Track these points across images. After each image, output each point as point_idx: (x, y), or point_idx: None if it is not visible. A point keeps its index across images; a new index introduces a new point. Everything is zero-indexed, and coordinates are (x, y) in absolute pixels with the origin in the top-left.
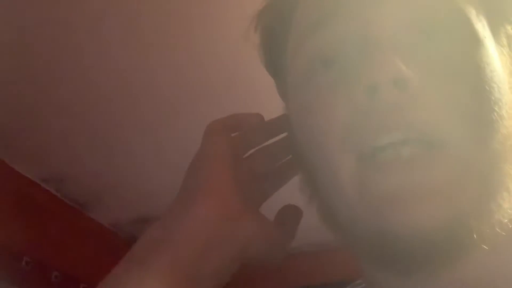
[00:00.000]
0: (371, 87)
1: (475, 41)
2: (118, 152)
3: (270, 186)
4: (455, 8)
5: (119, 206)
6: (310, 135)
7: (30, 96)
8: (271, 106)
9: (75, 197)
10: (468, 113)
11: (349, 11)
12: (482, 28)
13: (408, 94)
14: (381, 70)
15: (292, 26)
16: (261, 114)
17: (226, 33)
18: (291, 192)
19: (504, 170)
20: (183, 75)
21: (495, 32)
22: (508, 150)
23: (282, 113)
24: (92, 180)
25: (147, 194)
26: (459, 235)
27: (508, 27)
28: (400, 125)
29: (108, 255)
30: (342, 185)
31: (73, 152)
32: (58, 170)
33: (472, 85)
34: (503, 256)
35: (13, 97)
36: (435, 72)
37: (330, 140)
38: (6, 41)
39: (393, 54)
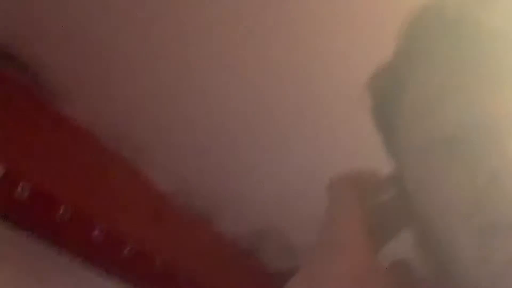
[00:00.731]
0: (493, 173)
1: None
2: (240, 160)
3: (383, 239)
4: None
5: (240, 216)
6: (429, 204)
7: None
8: None
9: (198, 208)
10: None
11: (472, 92)
12: None
13: None
14: (503, 157)
15: (409, 92)
16: (378, 171)
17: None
18: None
19: None
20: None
21: None
22: None
23: (393, 173)
24: (217, 191)
25: (268, 205)
26: None
27: None
28: None
29: (225, 265)
30: (459, 253)
31: (199, 162)
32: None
33: None
34: None
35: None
36: None
37: (452, 215)
38: None
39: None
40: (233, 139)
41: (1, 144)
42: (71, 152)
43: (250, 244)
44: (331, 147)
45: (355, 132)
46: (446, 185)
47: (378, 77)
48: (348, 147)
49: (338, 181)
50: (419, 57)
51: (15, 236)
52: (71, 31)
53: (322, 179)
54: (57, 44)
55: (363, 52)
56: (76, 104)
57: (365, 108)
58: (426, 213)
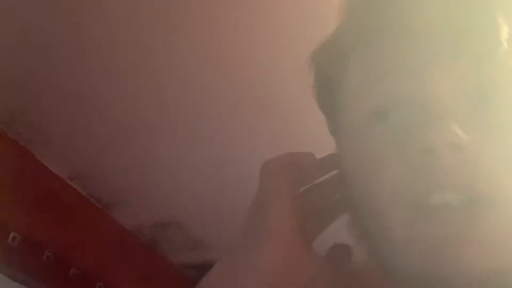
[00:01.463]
0: (427, 150)
1: None
2: (145, 154)
3: (321, 223)
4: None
5: (142, 209)
6: (362, 184)
7: (63, 94)
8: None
9: (100, 196)
10: None
11: (409, 69)
12: None
13: (462, 156)
14: (438, 135)
15: (349, 73)
16: (313, 153)
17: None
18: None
19: None
20: (213, 83)
21: None
22: None
23: (333, 152)
24: (118, 181)
25: (170, 199)
26: (506, 283)
27: None
28: (453, 186)
29: (127, 257)
30: (391, 232)
31: (100, 152)
32: (85, 168)
33: None
34: None
35: (46, 94)
36: (491, 136)
37: (383, 192)
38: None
39: (450, 118)
40: (139, 128)
41: None
42: None
43: (152, 236)
44: (243, 136)
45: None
46: (381, 164)
47: (320, 54)
48: (267, 133)
49: (269, 165)
50: (359, 35)
51: None
52: None
53: (230, 172)
54: None
55: (306, 27)
56: None
57: (307, 86)
58: (362, 194)
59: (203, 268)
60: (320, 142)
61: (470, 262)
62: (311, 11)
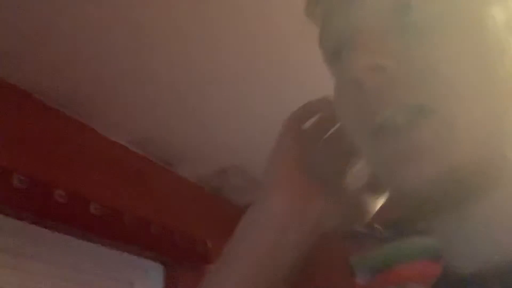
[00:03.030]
0: (355, 78)
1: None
2: (200, 108)
3: (337, 166)
4: None
5: (204, 160)
6: (343, 119)
7: (113, 64)
8: None
9: (161, 156)
10: (453, 79)
11: (348, 4)
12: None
13: (388, 75)
14: (359, 62)
15: (348, 18)
16: (328, 97)
17: None
18: None
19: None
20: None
21: None
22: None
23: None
24: (177, 139)
25: (229, 147)
26: (456, 184)
27: None
28: (389, 103)
29: (194, 207)
30: (367, 158)
31: (157, 114)
32: (144, 132)
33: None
34: None
35: (95, 66)
36: (413, 46)
37: (351, 120)
38: None
39: (370, 45)
40: (191, 87)
41: None
42: (22, 119)
43: (215, 184)
44: (290, 88)
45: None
46: (343, 97)
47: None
48: (309, 85)
49: (288, 118)
50: None
51: None
52: None
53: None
54: None
55: None
56: (18, 68)
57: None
58: (347, 128)
59: None
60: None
61: (421, 171)
62: None
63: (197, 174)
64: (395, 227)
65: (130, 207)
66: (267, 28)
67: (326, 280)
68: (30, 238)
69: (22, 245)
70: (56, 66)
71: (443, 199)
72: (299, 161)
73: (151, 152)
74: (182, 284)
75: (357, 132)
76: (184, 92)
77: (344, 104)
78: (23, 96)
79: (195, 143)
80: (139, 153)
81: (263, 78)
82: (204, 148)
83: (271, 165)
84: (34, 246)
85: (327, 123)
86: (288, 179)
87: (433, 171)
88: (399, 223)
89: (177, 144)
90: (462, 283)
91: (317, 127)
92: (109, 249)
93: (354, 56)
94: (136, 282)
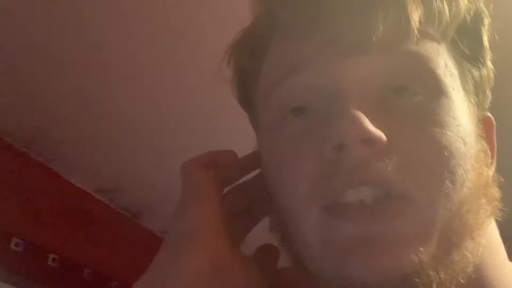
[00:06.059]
0: (339, 146)
1: (442, 96)
2: (167, 159)
3: (247, 224)
4: (423, 63)
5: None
6: (278, 182)
7: (82, 109)
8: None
9: (127, 207)
10: (433, 168)
11: (320, 61)
12: (451, 79)
13: (374, 151)
14: (349, 130)
15: (264, 66)
16: (235, 151)
17: None
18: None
19: (469, 221)
20: None
21: (463, 79)
22: (473, 201)
23: (255, 150)
24: (144, 190)
25: None
26: (418, 284)
27: (474, 72)
28: (366, 181)
29: None
30: (305, 236)
31: (125, 163)
32: (111, 181)
33: (438, 141)
34: None
35: (66, 111)
36: (402, 129)
37: (297, 190)
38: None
39: (361, 112)
40: (159, 135)
41: None
42: None
43: None
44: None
45: None
46: (297, 161)
47: (237, 47)
48: None
49: (191, 164)
50: (272, 27)
51: None
52: None
53: None
54: None
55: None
56: None
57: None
58: (279, 194)
59: None
60: (243, 139)
61: (382, 263)
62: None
63: (164, 226)
64: None
65: (91, 261)
66: None
67: None
68: None
69: None
70: (21, 106)
71: None
72: (219, 210)
73: (116, 202)
74: None
75: (295, 201)
76: (153, 139)
77: (288, 167)
78: None
79: (163, 194)
80: (104, 201)
81: (240, 125)
82: (172, 200)
83: (188, 211)
84: None
85: (232, 175)
86: (213, 233)
87: (404, 265)
88: None
89: (144, 195)
90: None
91: (222, 177)
92: None
93: (346, 122)
94: None
